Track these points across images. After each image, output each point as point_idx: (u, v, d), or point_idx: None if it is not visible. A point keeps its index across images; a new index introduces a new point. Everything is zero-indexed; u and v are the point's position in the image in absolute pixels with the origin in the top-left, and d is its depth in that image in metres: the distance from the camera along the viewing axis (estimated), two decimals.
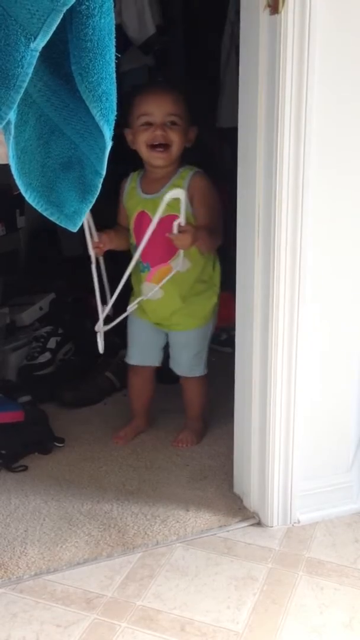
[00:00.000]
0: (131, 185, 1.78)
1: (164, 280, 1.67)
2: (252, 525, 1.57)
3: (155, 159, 1.63)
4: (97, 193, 0.98)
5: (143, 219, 1.69)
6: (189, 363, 1.86)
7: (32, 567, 1.43)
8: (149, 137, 1.60)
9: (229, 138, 1.77)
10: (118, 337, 1.98)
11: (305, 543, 1.51)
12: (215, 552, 1.48)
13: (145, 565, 1.44)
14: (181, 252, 1.64)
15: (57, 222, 1.01)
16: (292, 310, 1.43)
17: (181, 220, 1.57)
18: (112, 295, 1.63)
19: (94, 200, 0.99)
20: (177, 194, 1.54)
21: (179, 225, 1.58)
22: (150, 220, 1.59)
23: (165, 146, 1.61)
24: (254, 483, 1.58)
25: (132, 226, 1.73)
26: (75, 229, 1.02)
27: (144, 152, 1.63)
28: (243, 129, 1.43)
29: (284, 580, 1.39)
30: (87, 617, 1.30)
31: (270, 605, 1.33)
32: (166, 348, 1.90)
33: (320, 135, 1.33)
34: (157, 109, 1.60)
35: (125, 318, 1.73)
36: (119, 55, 0.89)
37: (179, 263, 1.66)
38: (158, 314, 1.79)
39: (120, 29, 2.51)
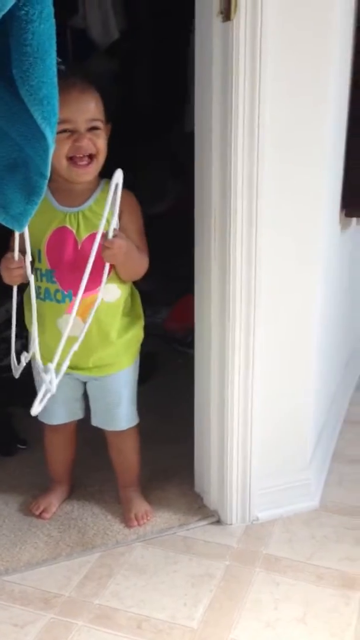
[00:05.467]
0: None
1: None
2: (211, 523, 1.59)
3: (80, 175, 1.36)
4: (43, 195, 1.00)
5: (65, 237, 1.40)
6: (126, 411, 1.56)
7: None
8: (72, 148, 1.33)
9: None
10: None
11: (263, 540, 1.53)
12: (174, 551, 1.50)
13: (104, 565, 1.46)
14: (105, 277, 1.36)
15: (4, 223, 1.03)
16: (248, 310, 1.45)
17: (115, 223, 1.32)
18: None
19: (39, 202, 1.00)
20: (118, 177, 1.27)
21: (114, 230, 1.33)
22: (75, 239, 1.39)
23: (90, 157, 1.36)
24: (214, 482, 1.60)
25: (43, 247, 1.41)
26: (21, 230, 1.03)
27: (62, 167, 1.34)
28: (199, 133, 1.45)
29: (241, 577, 1.41)
30: (44, 616, 1.31)
31: (225, 602, 1.35)
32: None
33: (273, 134, 1.36)
34: (79, 114, 1.32)
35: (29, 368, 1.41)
36: (61, 60, 0.91)
37: (108, 290, 1.41)
38: (82, 355, 1.45)
39: (85, 33, 2.53)
